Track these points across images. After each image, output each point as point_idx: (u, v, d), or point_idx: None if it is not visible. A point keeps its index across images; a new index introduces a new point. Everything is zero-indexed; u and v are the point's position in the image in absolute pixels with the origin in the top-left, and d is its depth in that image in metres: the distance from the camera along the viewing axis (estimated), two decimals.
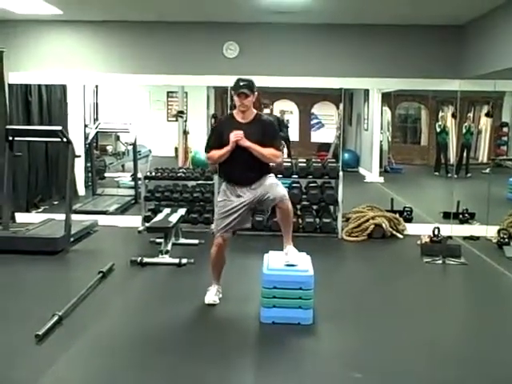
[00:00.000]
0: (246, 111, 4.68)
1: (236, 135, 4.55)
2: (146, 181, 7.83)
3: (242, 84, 4.62)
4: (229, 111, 9.48)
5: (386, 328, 4.43)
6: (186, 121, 10.60)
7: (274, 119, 5.13)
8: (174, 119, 11.11)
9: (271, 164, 4.84)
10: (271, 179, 4.70)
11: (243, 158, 4.59)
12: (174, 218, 6.41)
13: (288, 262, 4.52)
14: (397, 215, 7.68)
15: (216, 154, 4.69)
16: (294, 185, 7.66)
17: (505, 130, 13.02)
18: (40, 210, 8.39)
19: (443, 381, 3.61)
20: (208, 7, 6.84)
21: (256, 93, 4.70)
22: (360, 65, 7.60)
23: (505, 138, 13.03)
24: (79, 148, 8.57)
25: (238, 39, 7.59)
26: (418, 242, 6.90)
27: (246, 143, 4.56)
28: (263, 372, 3.71)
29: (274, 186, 4.62)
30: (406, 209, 8.11)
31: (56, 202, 8.83)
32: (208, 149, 4.79)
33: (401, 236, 7.38)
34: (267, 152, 4.63)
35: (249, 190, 4.64)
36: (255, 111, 4.76)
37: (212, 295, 4.84)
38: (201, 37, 7.64)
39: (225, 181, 4.78)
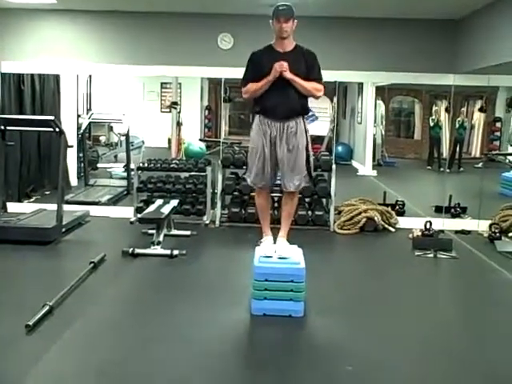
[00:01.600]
0: (287, 39, 4.44)
1: (281, 65, 4.29)
2: (139, 172, 7.80)
3: (281, 8, 4.37)
4: (222, 103, 9.49)
5: (377, 321, 4.44)
6: (179, 112, 10.58)
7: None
8: (168, 110, 11.08)
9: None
10: (304, 140, 4.53)
11: (283, 90, 4.35)
12: (166, 209, 6.40)
13: (280, 254, 4.51)
14: (389, 209, 7.69)
15: (253, 86, 4.42)
16: None
17: (498, 125, 13.05)
18: (32, 200, 8.39)
19: (433, 373, 3.63)
20: None
21: (296, 20, 4.47)
22: (354, 58, 7.59)
23: (497, 133, 13.06)
24: (72, 138, 8.53)
25: (232, 31, 7.57)
26: (410, 236, 6.92)
27: (289, 75, 4.32)
28: (253, 363, 3.72)
29: (299, 158, 4.47)
30: (399, 202, 8.13)
31: (48, 192, 8.82)
32: (244, 82, 4.51)
33: (393, 229, 7.40)
34: (310, 86, 4.40)
35: (282, 128, 4.44)
36: (295, 42, 4.52)
37: (269, 245, 4.63)
38: (195, 28, 7.61)
39: (260, 113, 4.51)
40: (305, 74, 4.41)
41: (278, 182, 4.80)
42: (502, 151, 12.56)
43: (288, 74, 4.34)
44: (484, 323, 4.54)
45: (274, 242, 4.68)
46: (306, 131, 4.60)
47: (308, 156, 4.61)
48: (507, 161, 11.62)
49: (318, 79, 4.53)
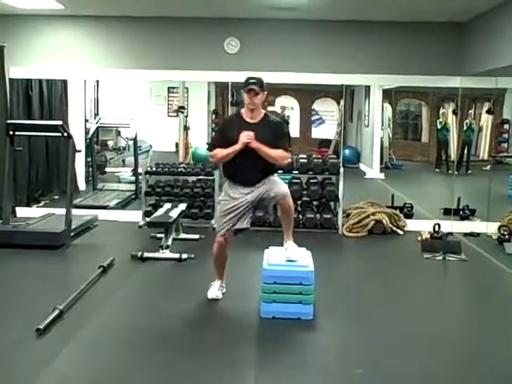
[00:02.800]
0: (255, 110, 4.60)
1: (247, 136, 4.46)
2: (147, 176, 7.82)
3: (251, 81, 4.54)
4: (229, 107, 9.53)
5: (387, 323, 4.43)
6: (186, 116, 10.60)
7: (282, 120, 5.06)
8: (175, 114, 11.10)
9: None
10: (273, 177, 4.68)
11: (250, 158, 4.50)
12: (174, 213, 6.41)
13: (289, 257, 4.53)
14: (397, 211, 7.68)
15: (221, 152, 4.60)
16: (295, 180, 7.67)
17: (505, 127, 12.99)
18: (41, 205, 8.42)
19: (443, 376, 3.62)
20: (209, 3, 6.84)
21: (266, 92, 4.64)
22: (361, 61, 7.60)
23: (505, 135, 12.99)
24: (80, 143, 8.54)
25: (239, 35, 7.59)
26: (419, 238, 6.90)
27: (256, 144, 4.50)
28: (264, 367, 3.72)
29: (276, 184, 4.60)
30: (407, 205, 8.12)
31: (56, 197, 8.85)
32: (211, 147, 4.71)
33: (401, 232, 7.38)
34: (276, 154, 4.56)
35: (253, 189, 4.61)
36: (263, 111, 4.70)
37: (215, 290, 4.84)
38: (202, 32, 7.64)
39: (229, 180, 4.72)
40: (271, 142, 4.53)
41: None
42: (510, 153, 12.51)
43: (254, 144, 4.51)
44: (494, 325, 4.52)
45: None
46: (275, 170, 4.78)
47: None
48: None
49: (284, 147, 4.65)
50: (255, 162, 4.54)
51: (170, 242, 6.10)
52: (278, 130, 4.69)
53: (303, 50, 7.59)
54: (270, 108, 9.79)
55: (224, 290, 4.88)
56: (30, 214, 7.51)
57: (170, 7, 7.17)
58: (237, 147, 4.51)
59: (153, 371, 3.55)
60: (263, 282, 4.42)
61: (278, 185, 4.60)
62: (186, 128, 10.46)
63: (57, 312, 4.22)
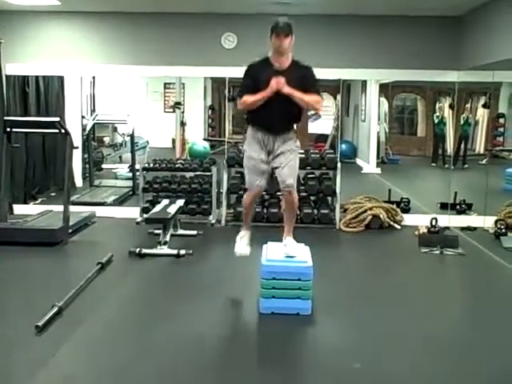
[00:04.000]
0: (284, 55, 4.47)
1: (278, 81, 4.31)
2: (144, 172, 7.82)
3: (281, 24, 4.40)
4: (226, 102, 9.50)
5: (385, 318, 4.45)
6: (183, 112, 10.61)
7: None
8: (171, 110, 11.11)
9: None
10: (295, 152, 4.60)
11: (278, 104, 4.36)
12: (172, 209, 6.41)
13: (287, 253, 4.53)
14: (394, 206, 7.69)
15: (250, 98, 4.44)
16: None
17: (501, 121, 13.03)
18: (38, 202, 8.41)
19: (441, 371, 3.63)
20: None
21: (293, 37, 4.49)
22: (358, 56, 7.59)
23: (501, 129, 13.04)
24: (77, 139, 8.52)
25: (236, 30, 7.58)
26: (416, 233, 6.92)
27: (289, 90, 4.33)
28: (263, 362, 3.74)
29: (292, 167, 4.54)
30: (404, 200, 8.13)
31: (53, 194, 8.85)
32: (241, 94, 4.55)
33: (398, 227, 7.40)
34: (310, 98, 4.41)
35: (274, 140, 4.52)
36: (291, 56, 4.56)
37: (244, 245, 4.81)
38: (199, 28, 7.62)
39: (253, 125, 4.60)
40: (302, 88, 4.43)
41: None
42: (506, 147, 12.55)
43: (286, 89, 4.36)
44: (492, 320, 4.54)
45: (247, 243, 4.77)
46: (296, 138, 4.67)
47: None
48: (511, 157, 11.63)
49: (317, 92, 4.56)
50: (283, 108, 4.41)
51: (168, 238, 6.10)
52: (308, 75, 4.53)
53: (300, 44, 7.44)
54: None
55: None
56: (27, 211, 7.51)
57: (166, 3, 7.16)
58: (266, 93, 4.36)
59: (152, 368, 3.56)
60: (262, 278, 4.43)
61: (292, 170, 4.53)
62: (183, 124, 10.48)
63: (56, 309, 4.22)
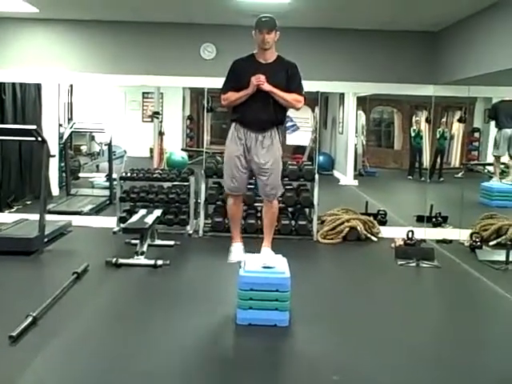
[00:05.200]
0: (269, 50, 4.46)
1: (257, 79, 4.31)
2: (121, 181, 7.77)
3: (264, 20, 4.40)
4: (204, 112, 9.49)
5: (362, 330, 4.46)
6: (161, 122, 10.59)
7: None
8: (150, 120, 11.09)
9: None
10: (278, 155, 4.58)
11: (261, 101, 4.37)
12: (149, 219, 6.38)
13: (265, 264, 4.53)
14: (371, 218, 7.74)
15: (233, 96, 4.45)
16: None
17: (476, 135, 13.20)
18: (13, 210, 8.31)
19: (420, 380, 3.65)
20: (186, 8, 6.84)
21: (278, 32, 4.50)
22: (336, 68, 7.66)
23: (476, 144, 13.20)
24: (53, 148, 8.49)
25: (215, 41, 7.60)
26: (392, 245, 6.96)
27: (269, 87, 4.35)
28: (240, 374, 3.72)
29: (274, 174, 4.51)
30: (381, 212, 8.18)
31: (29, 202, 8.75)
32: (224, 89, 4.54)
33: (375, 239, 7.44)
34: (290, 97, 4.41)
35: (257, 138, 4.49)
36: (276, 53, 4.55)
37: (239, 252, 4.76)
38: (178, 38, 7.64)
39: (236, 122, 4.57)
40: (285, 85, 4.43)
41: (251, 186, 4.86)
42: (481, 161, 12.71)
43: (266, 87, 4.35)
44: (467, 330, 4.58)
45: (246, 251, 4.70)
46: (280, 141, 4.65)
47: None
48: (486, 171, 11.78)
49: (299, 90, 4.54)
50: (266, 105, 4.41)
51: (145, 248, 6.06)
52: (292, 72, 4.52)
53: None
54: None
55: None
56: (2, 219, 7.42)
57: (145, 12, 7.16)
58: (248, 91, 4.37)
59: (127, 379, 3.52)
60: (239, 289, 4.41)
61: (275, 178, 4.52)
62: (161, 133, 10.46)
63: (30, 319, 4.16)
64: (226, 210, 7.36)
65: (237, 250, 4.68)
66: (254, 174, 4.60)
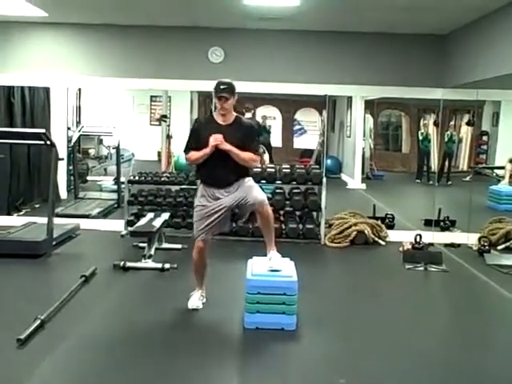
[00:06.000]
0: (227, 114, 4.67)
1: (215, 139, 4.52)
2: (129, 185, 7.79)
3: (222, 87, 4.59)
4: (212, 110, 9.51)
5: (369, 334, 4.46)
6: (169, 125, 10.59)
7: (254, 123, 5.10)
8: (157, 123, 11.09)
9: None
10: (250, 182, 4.71)
11: (222, 160, 4.55)
12: (157, 223, 6.39)
13: (272, 267, 4.53)
14: (379, 222, 7.73)
15: (194, 155, 4.66)
16: (278, 190, 7.68)
17: (484, 138, 13.15)
18: (21, 213, 8.35)
19: None
20: (194, 12, 6.86)
21: (236, 95, 4.68)
22: (344, 72, 7.65)
23: (484, 147, 13.15)
24: (62, 151, 8.49)
25: (223, 44, 7.62)
26: (400, 249, 6.95)
27: (226, 147, 4.54)
28: (247, 378, 3.72)
29: (253, 190, 4.62)
30: (388, 216, 8.17)
31: (38, 205, 8.79)
32: (187, 150, 4.74)
33: (383, 243, 7.42)
34: (245, 156, 4.61)
35: (227, 192, 4.63)
36: (235, 114, 4.75)
37: (195, 300, 4.83)
38: (186, 41, 7.65)
39: (202, 182, 4.75)
40: (242, 144, 4.57)
41: None
42: (489, 165, 12.66)
43: (224, 146, 4.57)
44: (474, 334, 4.57)
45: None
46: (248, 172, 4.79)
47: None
48: (494, 174, 11.73)
49: (253, 149, 4.72)
50: (227, 163, 4.58)
51: (152, 251, 6.08)
52: (248, 133, 4.71)
53: (287, 60, 7.63)
54: (247, 115, 9.79)
55: (204, 300, 4.88)
56: (10, 222, 7.45)
57: (154, 16, 7.18)
58: (207, 150, 4.57)
59: (135, 381, 3.53)
60: (247, 293, 4.42)
61: (255, 191, 4.62)
62: (169, 137, 10.46)
63: (38, 322, 4.19)
64: (234, 214, 7.47)
65: (195, 297, 4.79)
66: (237, 206, 4.71)
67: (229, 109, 4.65)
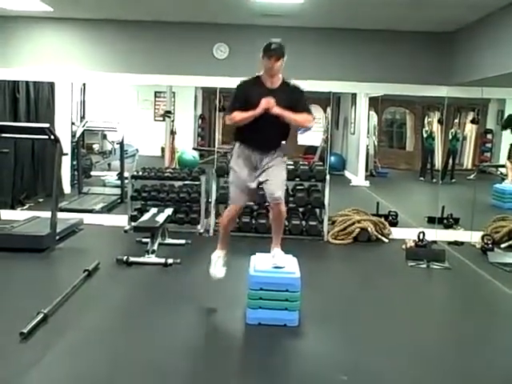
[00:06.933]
0: (275, 76, 4.55)
1: (268, 102, 4.37)
2: (133, 180, 7.80)
3: (273, 47, 4.46)
4: (216, 112, 9.52)
5: (371, 330, 4.46)
6: (173, 121, 10.60)
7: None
8: (161, 119, 11.10)
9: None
10: (281, 167, 4.64)
11: (267, 123, 4.41)
12: (160, 218, 6.40)
13: (275, 264, 4.53)
14: (382, 219, 7.72)
15: (239, 115, 4.47)
16: None
17: (489, 136, 13.14)
18: (25, 208, 8.37)
19: (426, 382, 3.65)
20: (199, 8, 6.85)
21: (285, 58, 4.55)
22: (349, 69, 7.64)
23: (489, 145, 13.14)
24: (66, 146, 8.53)
25: (228, 41, 7.61)
26: (403, 246, 6.94)
27: (279, 111, 4.41)
28: (249, 373, 3.73)
29: (276, 181, 4.56)
30: (392, 213, 8.16)
31: (41, 200, 8.81)
32: (231, 109, 4.57)
33: (386, 240, 7.42)
34: (301, 118, 4.50)
35: (263, 156, 4.54)
36: (281, 77, 4.62)
37: (220, 267, 4.76)
38: (191, 37, 7.64)
39: (241, 143, 4.63)
40: (292, 107, 4.49)
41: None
42: (494, 163, 12.65)
43: (276, 110, 4.42)
44: (477, 332, 4.56)
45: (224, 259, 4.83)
46: (282, 155, 4.71)
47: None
48: (498, 172, 11.72)
49: (307, 110, 4.62)
50: (273, 128, 4.47)
51: (155, 246, 6.08)
52: (297, 95, 4.59)
53: (291, 56, 7.49)
54: None
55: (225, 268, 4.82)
56: (14, 216, 7.46)
57: (159, 12, 7.18)
58: (257, 112, 4.41)
59: (137, 377, 3.54)
60: (249, 289, 4.42)
61: (276, 183, 4.56)
62: (173, 132, 10.46)
63: (41, 316, 4.19)
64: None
65: (218, 263, 4.76)
66: (261, 184, 4.67)
67: (278, 71, 4.52)
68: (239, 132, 4.67)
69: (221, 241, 4.88)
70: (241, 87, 4.66)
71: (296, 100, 4.54)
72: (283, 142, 4.72)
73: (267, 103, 4.39)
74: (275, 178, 4.55)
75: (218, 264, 4.81)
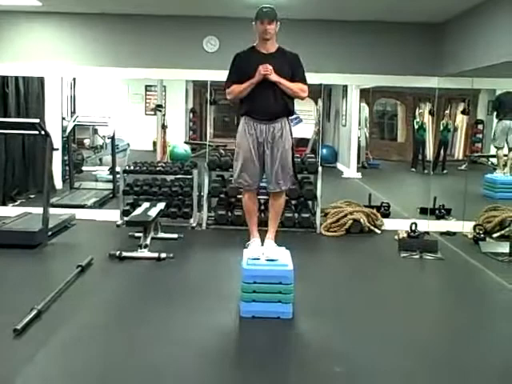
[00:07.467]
0: (270, 40, 4.48)
1: (264, 68, 4.33)
2: (125, 174, 7.78)
3: (265, 10, 4.42)
4: (208, 105, 9.49)
5: (365, 322, 4.47)
6: (164, 115, 10.58)
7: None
8: (153, 113, 11.08)
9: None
10: (288, 144, 4.60)
11: (269, 90, 4.39)
12: (153, 212, 6.39)
13: (268, 256, 4.53)
14: (374, 210, 7.73)
15: (237, 88, 4.45)
16: None
17: (480, 127, 13.16)
18: (16, 204, 8.33)
19: (419, 374, 3.66)
20: (189, 1, 6.82)
21: (279, 23, 4.50)
22: (339, 61, 7.63)
23: (479, 136, 13.17)
24: (56, 141, 8.46)
25: (218, 33, 7.58)
26: (396, 237, 6.96)
27: (276, 78, 4.37)
28: (243, 365, 3.73)
29: (285, 169, 4.56)
30: (384, 204, 8.18)
31: (33, 196, 8.77)
32: (228, 83, 4.54)
33: (378, 231, 7.44)
34: (295, 87, 4.46)
35: (269, 127, 4.50)
36: (277, 43, 4.57)
37: (256, 247, 4.65)
38: (181, 30, 7.61)
39: (245, 115, 4.56)
40: (289, 75, 4.45)
41: (264, 184, 4.87)
42: (484, 153, 12.68)
43: (273, 77, 4.38)
44: (469, 322, 4.58)
45: (262, 244, 4.71)
46: (291, 133, 4.67)
47: (293, 157, 4.67)
48: (489, 163, 11.76)
49: (303, 80, 4.57)
50: (274, 95, 4.43)
51: (148, 241, 6.07)
52: (294, 63, 4.55)
53: None
54: None
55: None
56: (5, 213, 7.43)
57: (148, 5, 7.13)
58: (254, 80, 4.38)
59: (131, 372, 3.54)
60: (243, 282, 4.42)
61: (285, 173, 4.55)
62: (164, 126, 10.45)
63: (34, 312, 4.18)
64: (230, 203, 7.38)
65: (254, 247, 4.67)
66: (264, 166, 4.61)
67: (273, 34, 4.46)
68: (242, 105, 4.59)
69: (250, 228, 4.80)
70: (236, 59, 4.62)
71: (293, 68, 4.51)
72: (290, 109, 4.64)
73: (264, 69, 4.35)
74: (278, 163, 4.52)
75: (254, 245, 4.72)
